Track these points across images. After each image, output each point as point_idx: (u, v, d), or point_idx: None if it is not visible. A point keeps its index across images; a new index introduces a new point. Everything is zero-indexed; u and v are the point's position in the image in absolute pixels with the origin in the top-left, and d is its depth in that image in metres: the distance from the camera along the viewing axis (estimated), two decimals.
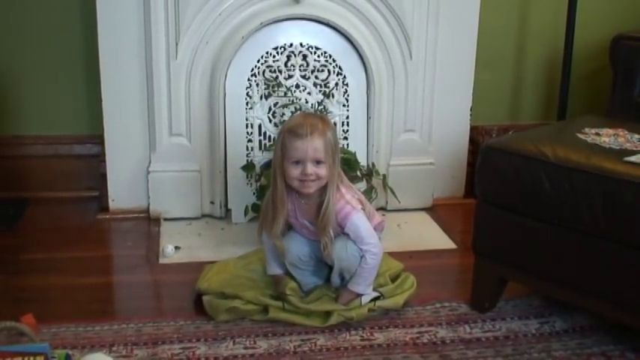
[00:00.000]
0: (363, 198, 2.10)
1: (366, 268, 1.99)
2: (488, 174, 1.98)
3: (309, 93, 2.67)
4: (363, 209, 2.03)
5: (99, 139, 2.77)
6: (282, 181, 1.97)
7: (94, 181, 2.83)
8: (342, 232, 1.99)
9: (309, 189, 1.95)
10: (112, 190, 2.73)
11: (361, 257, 1.98)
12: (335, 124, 2.63)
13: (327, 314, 2.00)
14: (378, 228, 2.11)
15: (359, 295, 2.03)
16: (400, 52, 2.71)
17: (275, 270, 2.12)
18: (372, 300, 2.04)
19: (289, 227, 2.07)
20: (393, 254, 2.28)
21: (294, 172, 1.94)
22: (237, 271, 2.17)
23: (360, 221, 1.98)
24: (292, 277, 2.09)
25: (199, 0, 2.54)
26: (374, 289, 2.06)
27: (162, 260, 2.41)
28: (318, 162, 1.93)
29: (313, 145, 1.91)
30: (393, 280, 2.13)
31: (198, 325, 2.00)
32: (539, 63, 3.19)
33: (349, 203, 1.99)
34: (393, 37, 2.69)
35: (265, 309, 2.02)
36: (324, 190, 1.97)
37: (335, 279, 2.06)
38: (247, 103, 2.64)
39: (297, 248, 2.06)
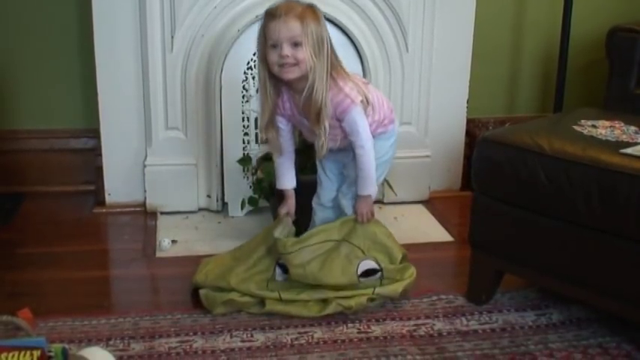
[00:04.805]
0: (363, 86, 2.06)
1: (363, 168, 2.04)
2: (485, 166, 1.98)
3: None
4: (366, 101, 2.03)
5: (95, 133, 2.77)
6: (265, 70, 1.97)
7: (90, 175, 2.82)
8: (339, 125, 2.00)
9: (289, 74, 1.93)
10: (108, 184, 2.73)
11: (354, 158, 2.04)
12: None
13: (324, 303, 2.00)
14: (389, 117, 2.13)
15: (370, 196, 2.07)
16: (396, 45, 2.70)
17: (284, 184, 2.14)
18: (371, 273, 2.04)
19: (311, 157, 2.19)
20: None
21: (273, 56, 1.92)
22: (233, 262, 2.17)
23: (358, 116, 2.00)
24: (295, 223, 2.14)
25: None
26: (375, 262, 2.06)
27: (158, 254, 2.41)
28: (295, 44, 1.91)
29: (288, 25, 1.89)
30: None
31: (195, 318, 2.00)
32: (535, 55, 3.19)
33: (349, 96, 1.98)
34: (390, 30, 2.68)
35: (262, 301, 2.02)
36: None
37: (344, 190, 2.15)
38: (243, 97, 2.64)
39: (326, 194, 2.18)
